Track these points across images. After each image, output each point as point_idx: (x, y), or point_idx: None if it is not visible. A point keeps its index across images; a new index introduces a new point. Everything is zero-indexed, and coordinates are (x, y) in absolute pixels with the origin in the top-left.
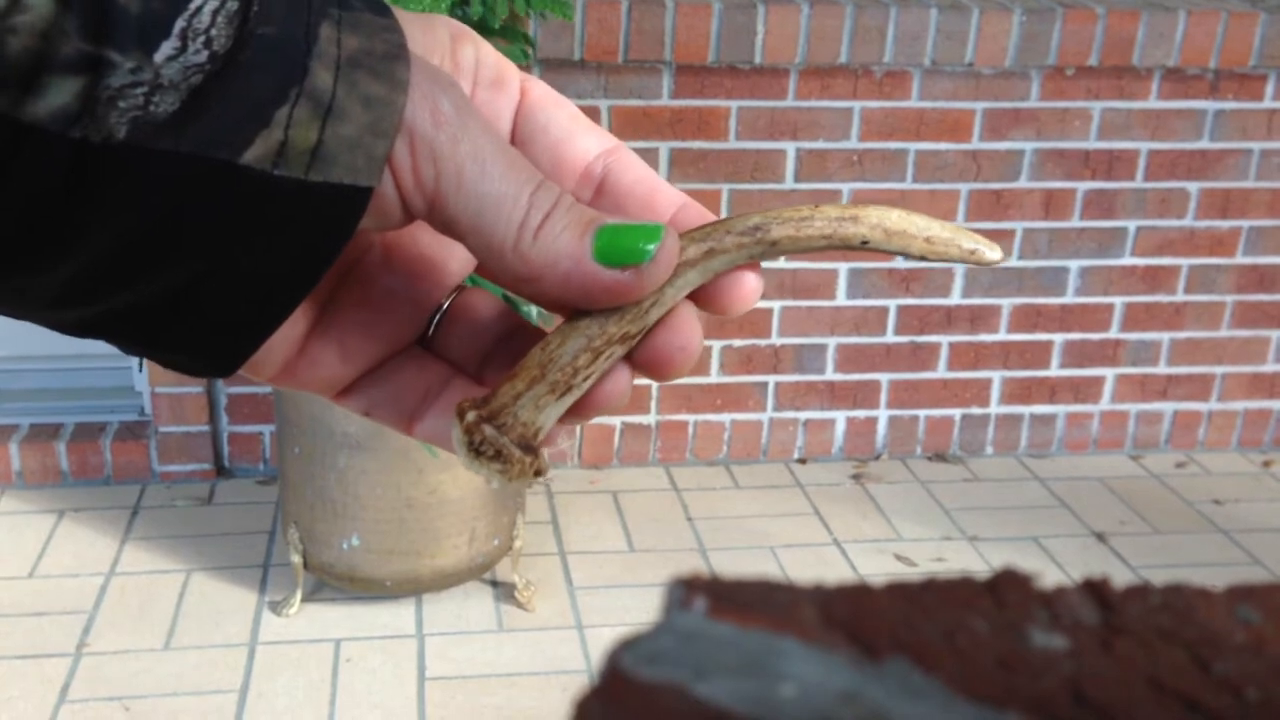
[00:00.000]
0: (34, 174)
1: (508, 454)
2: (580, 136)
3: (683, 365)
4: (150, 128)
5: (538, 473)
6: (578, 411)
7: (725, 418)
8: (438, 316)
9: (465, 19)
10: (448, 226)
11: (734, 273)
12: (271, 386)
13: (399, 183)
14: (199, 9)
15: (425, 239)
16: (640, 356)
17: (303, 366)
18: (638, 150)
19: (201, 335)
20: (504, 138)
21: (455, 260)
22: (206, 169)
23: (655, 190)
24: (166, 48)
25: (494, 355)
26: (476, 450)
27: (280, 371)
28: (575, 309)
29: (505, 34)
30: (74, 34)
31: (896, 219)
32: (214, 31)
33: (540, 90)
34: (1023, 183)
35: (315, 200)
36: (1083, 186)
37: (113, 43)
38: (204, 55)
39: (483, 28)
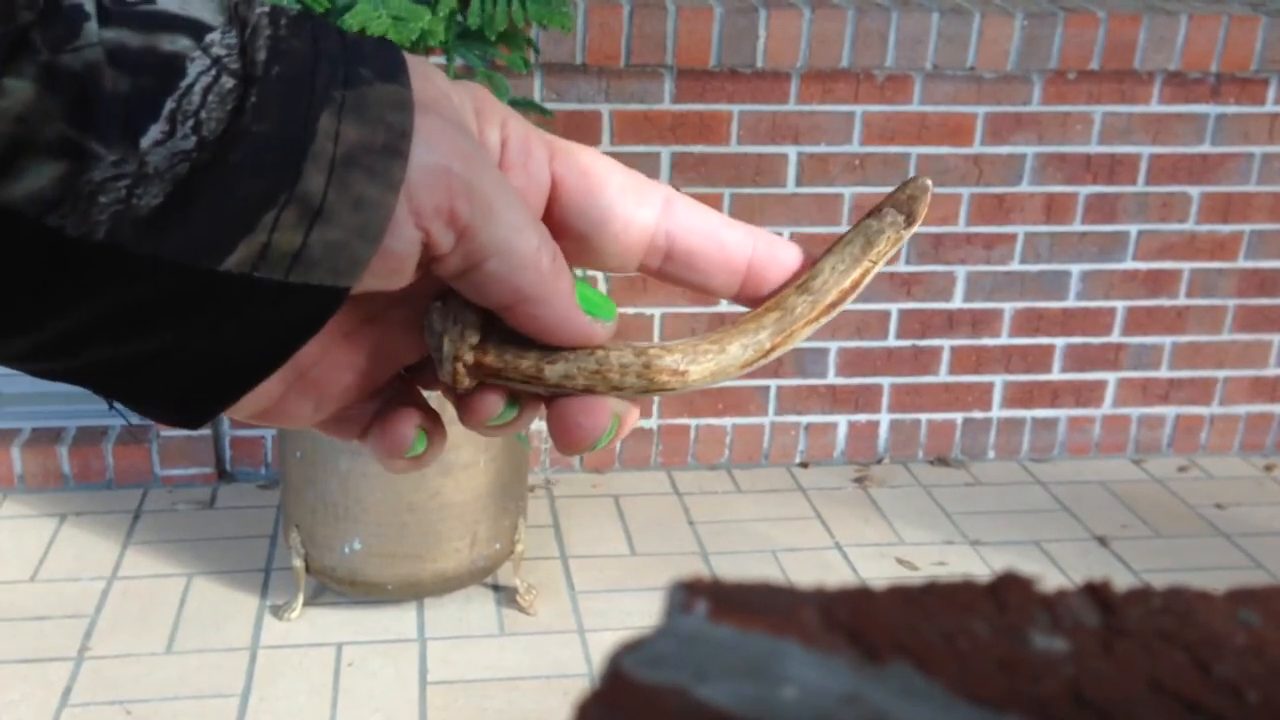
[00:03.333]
0: (2, 256)
1: (446, 354)
2: (635, 215)
3: (582, 441)
4: (131, 225)
5: (451, 385)
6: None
7: (727, 421)
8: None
9: (463, 28)
10: (469, 255)
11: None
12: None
13: (427, 228)
14: (190, 88)
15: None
16: (554, 423)
17: (275, 415)
18: (640, 154)
19: (166, 395)
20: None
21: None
22: (185, 273)
23: (723, 245)
24: (154, 132)
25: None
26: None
27: (254, 417)
28: (542, 341)
29: (506, 40)
30: (58, 116)
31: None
32: (204, 114)
33: (576, 168)
34: (1024, 187)
35: (291, 299)
36: (1084, 190)
37: (95, 131)
38: (192, 141)
39: (480, 37)
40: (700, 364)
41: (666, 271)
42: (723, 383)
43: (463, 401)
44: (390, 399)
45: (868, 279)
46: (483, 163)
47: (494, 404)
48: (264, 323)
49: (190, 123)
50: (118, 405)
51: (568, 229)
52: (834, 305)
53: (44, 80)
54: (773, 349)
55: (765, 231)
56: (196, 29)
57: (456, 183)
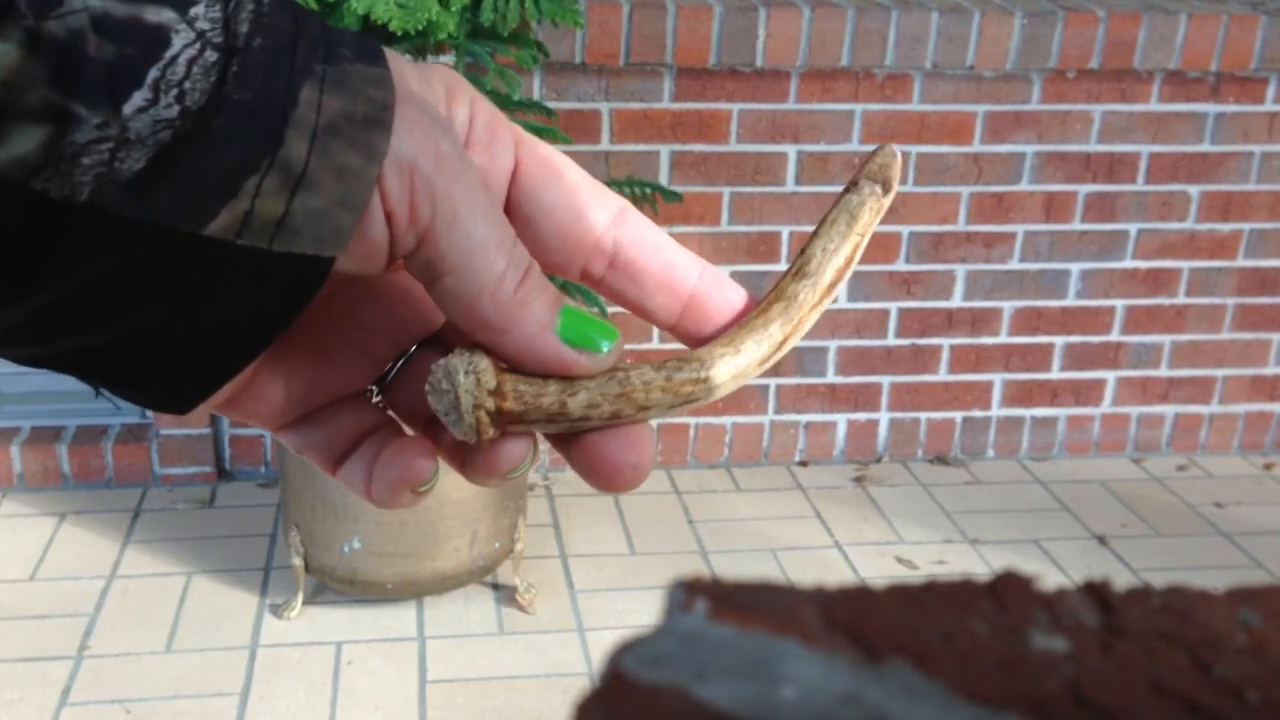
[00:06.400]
0: None
1: (464, 408)
2: (586, 211)
3: (633, 481)
4: (115, 188)
5: (476, 438)
6: (483, 467)
7: (726, 420)
8: (390, 373)
9: (475, 25)
10: (430, 265)
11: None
12: (214, 414)
13: (393, 221)
14: (174, 58)
15: (391, 294)
16: (591, 462)
17: (246, 401)
18: (639, 153)
19: (152, 378)
20: (487, 187)
21: (415, 319)
22: (169, 238)
23: (669, 265)
24: (137, 99)
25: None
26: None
27: (224, 403)
28: (515, 367)
29: (515, 40)
30: (42, 82)
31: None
32: (188, 84)
33: (537, 156)
34: (1024, 185)
35: (276, 269)
36: (1084, 189)
37: (79, 95)
38: (175, 110)
39: (493, 34)
40: (720, 368)
41: (608, 282)
42: (744, 383)
43: (482, 456)
44: (379, 428)
45: (859, 253)
46: (457, 167)
47: (519, 451)
48: (249, 296)
49: (174, 92)
50: (107, 393)
51: (517, 213)
52: (833, 285)
53: (28, 45)
54: (785, 340)
55: (714, 267)
56: (181, 2)
57: (420, 179)
